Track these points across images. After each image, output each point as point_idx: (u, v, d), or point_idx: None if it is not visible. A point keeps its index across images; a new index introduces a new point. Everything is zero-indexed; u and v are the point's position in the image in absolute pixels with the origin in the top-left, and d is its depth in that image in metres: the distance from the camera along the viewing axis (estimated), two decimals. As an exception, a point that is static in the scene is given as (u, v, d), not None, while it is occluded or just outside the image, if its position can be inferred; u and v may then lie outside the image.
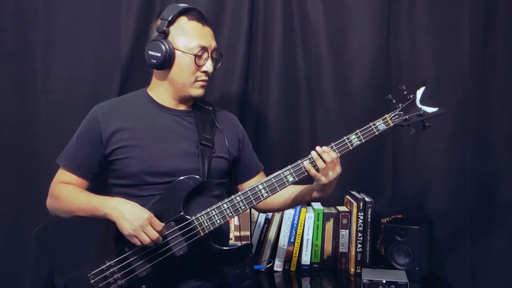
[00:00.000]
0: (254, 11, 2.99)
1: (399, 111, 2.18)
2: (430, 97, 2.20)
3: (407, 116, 2.18)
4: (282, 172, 2.12)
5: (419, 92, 2.19)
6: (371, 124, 2.16)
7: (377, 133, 2.17)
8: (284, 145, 3.05)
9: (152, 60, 2.14)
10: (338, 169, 2.14)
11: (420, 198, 3.04)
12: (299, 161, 2.13)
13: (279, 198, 2.33)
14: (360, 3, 3.01)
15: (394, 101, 2.20)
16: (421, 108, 2.18)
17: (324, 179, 2.12)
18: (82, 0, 2.87)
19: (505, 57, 2.95)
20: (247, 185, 2.37)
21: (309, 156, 2.12)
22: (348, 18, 3.03)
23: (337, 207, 2.97)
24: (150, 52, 2.14)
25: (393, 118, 2.18)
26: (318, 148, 2.12)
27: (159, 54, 2.12)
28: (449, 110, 2.24)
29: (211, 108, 2.31)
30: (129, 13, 2.88)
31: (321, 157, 2.11)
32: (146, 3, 2.91)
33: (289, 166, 2.13)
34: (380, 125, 2.17)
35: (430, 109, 2.18)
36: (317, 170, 2.11)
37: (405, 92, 2.19)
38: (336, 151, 2.13)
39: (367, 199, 2.89)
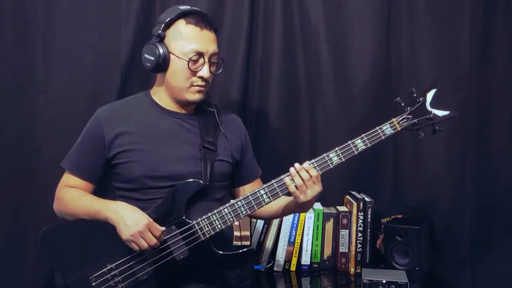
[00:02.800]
0: (254, 11, 2.99)
1: (407, 115, 2.11)
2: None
3: (415, 120, 2.12)
4: (284, 177, 2.09)
5: (430, 95, 2.13)
6: (377, 128, 2.11)
7: (383, 137, 2.11)
8: (284, 145, 3.05)
9: (146, 63, 2.14)
10: (318, 188, 2.08)
11: (420, 198, 3.04)
12: (285, 175, 2.09)
13: (270, 208, 2.30)
14: (360, 3, 3.01)
15: (402, 104, 2.13)
16: (431, 111, 2.12)
17: (302, 197, 2.07)
18: (82, 0, 2.87)
19: (505, 58, 2.94)
20: (243, 189, 2.38)
21: (288, 172, 2.08)
22: (348, 18, 3.02)
23: (337, 207, 2.97)
24: (145, 55, 2.13)
25: (400, 122, 2.12)
26: (296, 164, 2.07)
27: (152, 58, 2.11)
28: (460, 113, 2.18)
29: (215, 111, 2.28)
30: (129, 13, 2.88)
31: (299, 174, 2.06)
32: (146, 3, 2.91)
33: (289, 172, 2.09)
34: (387, 129, 2.11)
35: (441, 112, 2.12)
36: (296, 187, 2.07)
37: (414, 95, 2.13)
38: (317, 169, 2.07)
39: (367, 199, 2.89)
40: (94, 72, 2.89)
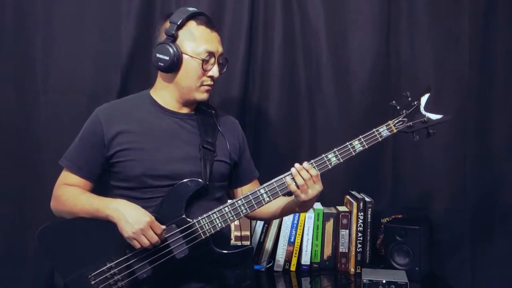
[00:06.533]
0: (254, 11, 2.99)
1: (403, 118, 2.16)
2: (431, 100, 2.18)
3: (411, 123, 2.16)
4: (284, 177, 2.10)
5: (423, 99, 2.17)
6: (374, 130, 2.14)
7: (380, 139, 2.14)
8: (284, 145, 3.05)
9: (159, 63, 2.13)
10: (318, 187, 2.10)
11: (420, 198, 3.04)
12: (285, 174, 2.10)
13: (269, 208, 2.31)
14: (360, 4, 3.01)
15: (398, 107, 2.18)
16: (425, 115, 2.16)
17: (303, 196, 2.09)
18: (82, 0, 2.87)
19: (505, 59, 2.94)
20: (241, 190, 2.40)
21: (290, 172, 2.10)
22: (348, 18, 3.02)
23: (337, 207, 2.97)
24: (158, 55, 2.13)
25: (397, 125, 2.15)
26: (297, 164, 2.09)
27: (167, 58, 2.11)
28: (453, 117, 2.23)
29: (213, 112, 2.31)
30: (129, 13, 2.88)
31: (299, 174, 2.09)
32: (146, 3, 2.91)
33: (290, 172, 2.10)
34: (383, 131, 2.14)
35: (434, 116, 2.16)
36: (297, 186, 2.09)
37: (409, 99, 2.17)
38: (316, 169, 2.09)
39: (367, 199, 2.89)
40: (94, 72, 2.89)
